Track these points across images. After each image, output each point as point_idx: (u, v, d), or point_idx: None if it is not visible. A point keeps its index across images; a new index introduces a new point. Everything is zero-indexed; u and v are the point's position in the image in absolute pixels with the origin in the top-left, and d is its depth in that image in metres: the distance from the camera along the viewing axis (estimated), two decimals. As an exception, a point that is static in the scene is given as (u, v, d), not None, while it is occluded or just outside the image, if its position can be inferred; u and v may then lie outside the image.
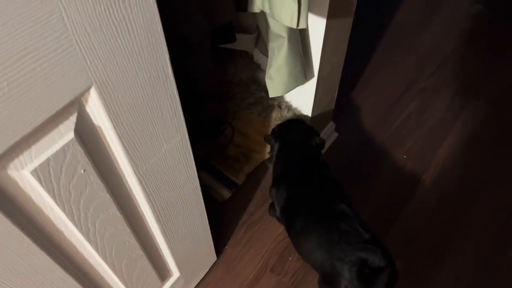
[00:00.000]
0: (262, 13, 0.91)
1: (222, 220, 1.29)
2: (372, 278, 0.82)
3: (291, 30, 0.90)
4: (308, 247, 0.95)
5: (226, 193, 1.29)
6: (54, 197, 0.52)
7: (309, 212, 0.97)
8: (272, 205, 1.27)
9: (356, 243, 0.86)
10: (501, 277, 1.17)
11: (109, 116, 0.52)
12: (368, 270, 0.82)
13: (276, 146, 1.11)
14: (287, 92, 1.03)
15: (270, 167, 1.40)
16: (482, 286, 1.16)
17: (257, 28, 1.03)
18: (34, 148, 0.46)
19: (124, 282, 0.79)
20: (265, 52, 1.05)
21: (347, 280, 0.83)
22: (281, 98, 1.24)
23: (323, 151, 1.14)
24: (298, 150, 1.08)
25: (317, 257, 0.92)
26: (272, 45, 0.94)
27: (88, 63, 0.45)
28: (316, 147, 1.10)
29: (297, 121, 1.17)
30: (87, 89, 0.47)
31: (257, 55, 1.22)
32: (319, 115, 1.29)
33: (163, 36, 0.53)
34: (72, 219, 0.57)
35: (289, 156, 1.08)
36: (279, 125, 1.15)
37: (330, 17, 0.95)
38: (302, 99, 1.19)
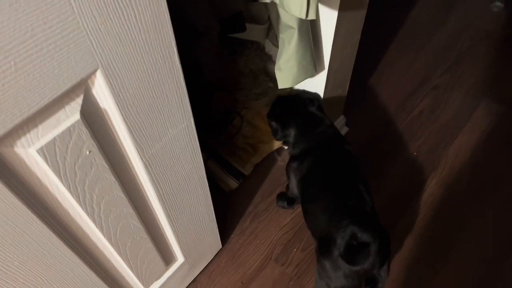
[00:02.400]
0: (273, 3, 0.92)
1: (229, 209, 1.30)
2: (358, 252, 0.86)
3: (301, 21, 0.90)
4: (315, 211, 1.00)
5: (233, 183, 1.30)
6: (59, 177, 0.53)
7: (326, 182, 1.01)
8: (280, 195, 1.28)
9: (355, 214, 0.91)
10: (504, 277, 1.16)
11: (115, 100, 0.53)
12: (356, 243, 0.87)
13: (291, 130, 1.11)
14: (296, 84, 1.03)
15: (278, 158, 1.40)
16: (485, 285, 1.15)
17: (269, 19, 1.03)
18: (40, 128, 0.48)
19: (128, 264, 0.81)
20: (276, 43, 1.05)
21: (337, 249, 0.88)
22: (289, 89, 1.24)
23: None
24: (312, 124, 1.10)
25: (319, 221, 0.97)
26: (283, 36, 0.94)
27: (95, 46, 0.46)
28: (319, 109, 1.13)
29: (288, 97, 1.18)
30: (93, 72, 0.48)
31: (269, 46, 1.22)
32: (329, 108, 1.28)
33: (170, 22, 0.53)
34: (77, 199, 0.59)
35: (308, 132, 1.10)
36: (275, 106, 1.16)
37: (342, 9, 0.94)
38: (312, 92, 1.19)
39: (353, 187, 0.98)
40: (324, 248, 0.93)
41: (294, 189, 1.13)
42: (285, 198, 1.27)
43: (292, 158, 1.12)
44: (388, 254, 0.92)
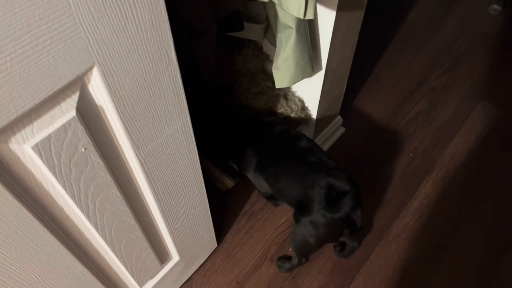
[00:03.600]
0: (272, 3, 0.91)
1: (225, 209, 1.30)
2: (339, 200, 0.92)
3: (299, 21, 0.90)
4: (285, 186, 1.04)
5: (229, 182, 1.30)
6: (54, 173, 0.53)
7: (286, 159, 1.06)
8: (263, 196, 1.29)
9: (324, 171, 0.97)
10: (499, 277, 1.17)
11: (111, 97, 0.53)
12: (335, 193, 0.93)
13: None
14: (293, 84, 1.03)
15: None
16: (480, 285, 1.16)
17: (267, 18, 1.03)
18: (36, 124, 0.48)
19: (123, 262, 0.81)
20: (274, 42, 1.05)
21: (317, 203, 0.94)
22: (287, 89, 1.24)
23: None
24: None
25: (293, 191, 1.02)
26: (280, 35, 0.94)
27: (91, 43, 0.46)
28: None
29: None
30: (90, 69, 0.48)
31: (267, 46, 1.22)
32: (326, 109, 1.29)
33: (168, 20, 0.53)
34: (72, 196, 0.58)
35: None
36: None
37: (340, 9, 0.94)
38: (309, 92, 1.19)
39: (303, 148, 1.05)
40: (304, 208, 0.98)
41: (263, 186, 1.15)
42: (265, 197, 1.29)
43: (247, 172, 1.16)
44: (361, 197, 0.98)
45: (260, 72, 1.20)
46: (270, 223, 1.27)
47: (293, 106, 1.22)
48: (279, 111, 1.24)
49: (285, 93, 1.23)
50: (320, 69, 1.10)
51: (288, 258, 1.16)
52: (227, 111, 1.21)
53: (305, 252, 1.11)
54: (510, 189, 1.34)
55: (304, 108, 1.24)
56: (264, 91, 1.19)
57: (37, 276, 0.64)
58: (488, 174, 1.38)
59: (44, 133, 0.49)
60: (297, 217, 1.01)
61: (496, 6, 1.90)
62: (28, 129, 0.47)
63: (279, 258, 1.18)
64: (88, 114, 0.53)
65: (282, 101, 1.23)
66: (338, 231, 0.99)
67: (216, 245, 1.20)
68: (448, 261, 1.20)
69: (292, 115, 1.24)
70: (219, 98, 1.20)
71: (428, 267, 1.19)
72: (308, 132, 1.32)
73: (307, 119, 1.26)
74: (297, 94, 1.24)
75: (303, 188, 0.98)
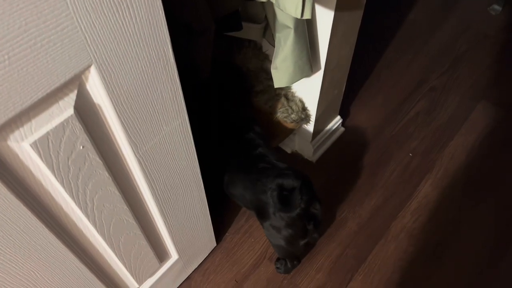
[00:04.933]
0: (270, 3, 0.92)
1: (224, 208, 1.30)
2: (291, 198, 0.92)
3: (297, 21, 0.90)
4: (238, 192, 1.06)
5: None
6: (53, 171, 0.54)
7: (234, 166, 1.08)
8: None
9: (273, 174, 0.97)
10: (500, 278, 1.17)
11: (109, 95, 0.54)
12: (286, 192, 0.93)
13: None
14: (292, 83, 1.03)
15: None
16: (480, 286, 1.16)
17: (266, 18, 1.04)
18: (34, 122, 0.48)
19: (122, 260, 0.81)
20: (272, 42, 1.05)
21: (272, 206, 0.94)
22: (288, 88, 1.24)
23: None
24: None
25: (247, 197, 1.04)
26: (279, 35, 0.95)
27: (89, 42, 0.47)
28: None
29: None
30: (87, 68, 0.49)
31: (266, 46, 1.23)
32: (326, 109, 1.29)
33: (165, 20, 0.54)
34: (70, 194, 0.59)
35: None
36: None
37: (338, 9, 0.95)
38: (308, 91, 1.20)
39: (256, 155, 1.04)
40: (262, 213, 0.99)
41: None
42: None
43: None
44: (313, 190, 0.97)
45: (262, 71, 1.20)
46: (269, 223, 1.28)
47: (293, 107, 1.23)
48: (280, 110, 1.24)
49: (286, 93, 1.24)
50: (319, 69, 1.10)
51: (285, 260, 1.17)
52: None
53: (287, 254, 1.12)
54: (510, 189, 1.34)
55: (304, 109, 1.25)
56: (266, 90, 1.20)
57: (36, 273, 0.65)
58: (488, 174, 1.38)
59: (42, 130, 0.49)
60: (260, 223, 1.03)
61: (496, 7, 1.90)
62: (26, 127, 0.48)
63: (277, 260, 1.19)
64: (86, 112, 0.54)
65: (283, 100, 1.23)
66: (301, 227, 0.99)
67: (215, 244, 1.20)
68: (448, 261, 1.20)
69: (293, 115, 1.24)
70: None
71: (427, 267, 1.19)
72: (307, 132, 1.33)
73: (307, 119, 1.27)
74: (296, 94, 1.24)
75: (256, 194, 0.99)
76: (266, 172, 0.99)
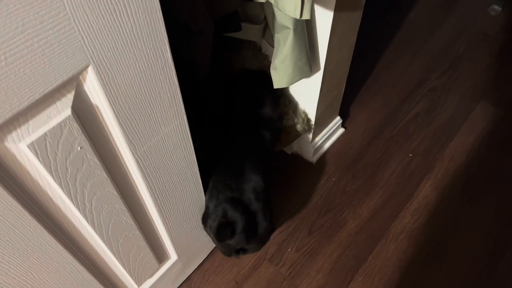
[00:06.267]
0: (269, 3, 0.92)
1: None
2: (226, 229, 0.92)
3: (296, 21, 0.90)
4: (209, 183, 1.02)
5: None
6: (50, 172, 0.54)
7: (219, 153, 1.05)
8: None
9: (228, 195, 0.95)
10: (498, 277, 1.17)
11: (107, 96, 0.54)
12: (226, 221, 0.93)
13: None
14: (291, 84, 1.03)
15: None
16: (479, 286, 1.16)
17: (265, 19, 1.04)
18: (31, 123, 0.48)
19: (120, 261, 0.81)
20: (272, 43, 1.05)
21: (209, 224, 0.95)
22: (290, 102, 1.25)
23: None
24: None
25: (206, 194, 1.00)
26: (278, 36, 0.94)
27: (86, 42, 0.47)
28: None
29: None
30: (85, 68, 0.49)
31: (266, 46, 1.23)
32: (325, 109, 1.29)
33: (163, 20, 0.54)
34: (68, 194, 0.59)
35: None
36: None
37: (337, 9, 0.95)
38: (308, 92, 1.20)
39: (238, 170, 1.00)
40: (203, 217, 0.99)
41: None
42: None
43: None
44: (255, 232, 0.98)
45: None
46: (269, 223, 1.28)
47: (299, 118, 1.24)
48: (285, 117, 1.25)
49: (289, 101, 1.25)
50: (319, 69, 1.10)
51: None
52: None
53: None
54: (510, 189, 1.34)
55: (308, 120, 1.25)
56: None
57: (34, 274, 0.65)
58: (487, 174, 1.38)
59: (40, 131, 0.49)
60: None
61: (496, 7, 1.90)
62: (24, 127, 0.48)
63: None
64: (84, 113, 0.54)
65: (288, 109, 1.24)
66: (225, 252, 1.02)
67: (215, 245, 1.20)
68: (448, 261, 1.20)
69: (298, 126, 1.25)
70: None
71: (427, 268, 1.19)
72: (307, 133, 1.32)
73: (310, 130, 1.27)
74: (299, 106, 1.25)
75: (208, 198, 0.97)
76: (227, 191, 0.96)
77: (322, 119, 1.33)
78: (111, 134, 0.60)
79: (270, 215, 1.03)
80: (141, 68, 0.56)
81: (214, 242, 1.03)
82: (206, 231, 0.99)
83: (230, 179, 0.99)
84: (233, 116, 1.13)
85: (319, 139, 1.39)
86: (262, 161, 1.07)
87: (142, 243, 0.83)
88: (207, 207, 0.97)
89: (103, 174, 0.62)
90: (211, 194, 0.97)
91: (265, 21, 1.03)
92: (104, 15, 0.46)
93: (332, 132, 1.44)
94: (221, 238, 0.94)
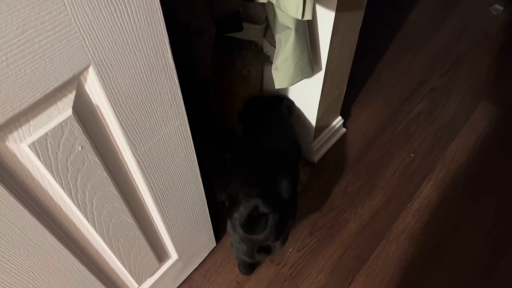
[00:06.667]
0: (270, 3, 0.92)
1: (224, 208, 1.30)
2: (256, 222, 0.90)
3: (298, 22, 0.90)
4: (234, 169, 1.05)
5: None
6: (51, 172, 0.54)
7: (254, 153, 1.06)
8: None
9: (261, 190, 0.94)
10: (499, 278, 1.17)
11: (108, 96, 0.54)
12: (257, 214, 0.91)
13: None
14: (293, 84, 1.03)
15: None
16: (481, 286, 1.16)
17: (266, 19, 1.04)
18: (32, 123, 0.48)
19: (121, 260, 0.81)
20: (273, 43, 1.05)
21: (238, 216, 0.92)
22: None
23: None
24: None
25: (233, 181, 1.01)
26: (279, 36, 0.94)
27: (87, 42, 0.47)
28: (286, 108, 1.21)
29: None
30: (86, 68, 0.49)
31: (267, 46, 1.23)
32: (327, 109, 1.29)
33: (163, 21, 0.54)
34: (69, 194, 0.59)
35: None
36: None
37: (339, 10, 0.95)
38: (309, 92, 1.20)
39: (274, 172, 1.00)
40: (230, 210, 0.97)
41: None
42: None
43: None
44: (283, 229, 0.96)
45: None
46: (270, 223, 1.28)
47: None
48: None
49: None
50: (320, 69, 1.10)
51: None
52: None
53: (235, 254, 1.07)
54: (511, 188, 1.34)
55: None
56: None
57: (35, 273, 0.65)
58: (489, 174, 1.37)
59: (41, 131, 0.49)
60: (227, 214, 1.00)
61: (498, 6, 1.90)
62: (25, 127, 0.48)
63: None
64: (85, 113, 0.54)
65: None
66: (249, 251, 0.97)
67: (215, 244, 1.20)
68: (449, 261, 1.20)
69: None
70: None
71: (428, 268, 1.19)
72: (309, 133, 1.32)
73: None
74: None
75: (240, 189, 0.96)
76: (262, 184, 0.96)
77: (323, 119, 1.33)
78: (111, 134, 0.61)
79: (295, 213, 1.03)
80: (141, 68, 0.56)
81: (235, 240, 0.98)
82: (232, 224, 0.95)
83: (263, 172, 1.00)
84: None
85: (320, 139, 1.39)
86: (294, 157, 1.10)
87: (143, 242, 0.83)
88: (237, 196, 0.95)
89: (104, 174, 0.62)
90: (243, 184, 0.97)
91: (266, 21, 1.03)
92: (104, 15, 0.46)
93: (334, 132, 1.44)
94: (252, 230, 0.90)
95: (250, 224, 0.90)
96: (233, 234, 0.96)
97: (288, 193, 0.98)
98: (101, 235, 0.71)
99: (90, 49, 0.48)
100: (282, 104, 1.22)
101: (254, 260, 1.03)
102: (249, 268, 1.16)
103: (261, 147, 1.08)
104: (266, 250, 0.98)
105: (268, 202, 0.91)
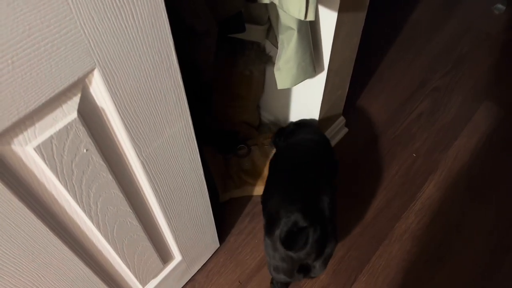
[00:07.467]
0: (273, 4, 0.92)
1: (227, 209, 1.30)
2: (297, 238, 0.86)
3: (301, 22, 0.90)
4: (272, 189, 1.03)
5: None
6: (56, 174, 0.54)
7: (293, 167, 1.05)
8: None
9: (302, 205, 0.91)
10: (502, 278, 1.16)
11: (112, 99, 0.54)
12: (297, 230, 0.87)
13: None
14: (295, 85, 1.03)
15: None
16: (483, 287, 1.15)
17: (269, 20, 1.04)
18: (38, 126, 0.48)
19: (125, 262, 0.81)
20: (275, 43, 1.05)
21: (279, 232, 0.89)
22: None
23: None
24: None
25: (272, 199, 0.99)
26: (282, 37, 0.94)
27: (92, 45, 0.47)
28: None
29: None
30: (91, 71, 0.49)
31: (269, 47, 1.23)
32: (329, 109, 1.29)
33: (168, 23, 0.54)
34: (74, 197, 0.59)
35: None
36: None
37: (341, 10, 0.95)
38: (312, 92, 1.20)
39: (316, 184, 0.99)
40: (269, 227, 0.95)
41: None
42: None
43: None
44: (324, 248, 0.92)
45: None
46: (272, 224, 1.28)
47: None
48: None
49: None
50: (322, 70, 1.10)
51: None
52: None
53: (273, 274, 1.01)
54: (513, 189, 1.34)
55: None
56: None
57: (40, 275, 0.65)
58: (491, 174, 1.37)
59: (46, 134, 0.49)
60: (265, 233, 0.98)
61: (500, 6, 1.89)
62: (30, 130, 0.48)
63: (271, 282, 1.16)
64: (90, 116, 0.54)
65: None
66: (289, 270, 0.93)
67: (219, 245, 1.20)
68: (451, 262, 1.20)
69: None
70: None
71: (430, 268, 1.19)
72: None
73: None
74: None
75: (280, 205, 0.94)
76: (303, 201, 0.93)
77: (326, 119, 1.33)
78: (116, 136, 0.61)
79: (337, 235, 0.97)
80: (146, 70, 0.56)
81: (274, 259, 0.94)
82: (271, 240, 0.92)
83: (304, 189, 0.97)
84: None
85: (322, 139, 1.39)
86: (333, 174, 1.09)
87: (147, 244, 0.83)
88: (277, 212, 0.92)
89: (109, 176, 0.62)
90: (283, 201, 0.94)
91: (269, 22, 1.03)
92: (110, 18, 0.46)
93: (336, 132, 1.44)
94: (292, 246, 0.86)
95: (291, 239, 0.87)
96: (273, 252, 0.93)
97: (329, 210, 0.95)
98: (106, 237, 0.71)
99: (95, 52, 0.48)
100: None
101: (293, 279, 0.99)
102: (284, 287, 1.13)
103: (300, 165, 1.06)
104: (306, 270, 0.94)
105: (308, 216, 0.88)
